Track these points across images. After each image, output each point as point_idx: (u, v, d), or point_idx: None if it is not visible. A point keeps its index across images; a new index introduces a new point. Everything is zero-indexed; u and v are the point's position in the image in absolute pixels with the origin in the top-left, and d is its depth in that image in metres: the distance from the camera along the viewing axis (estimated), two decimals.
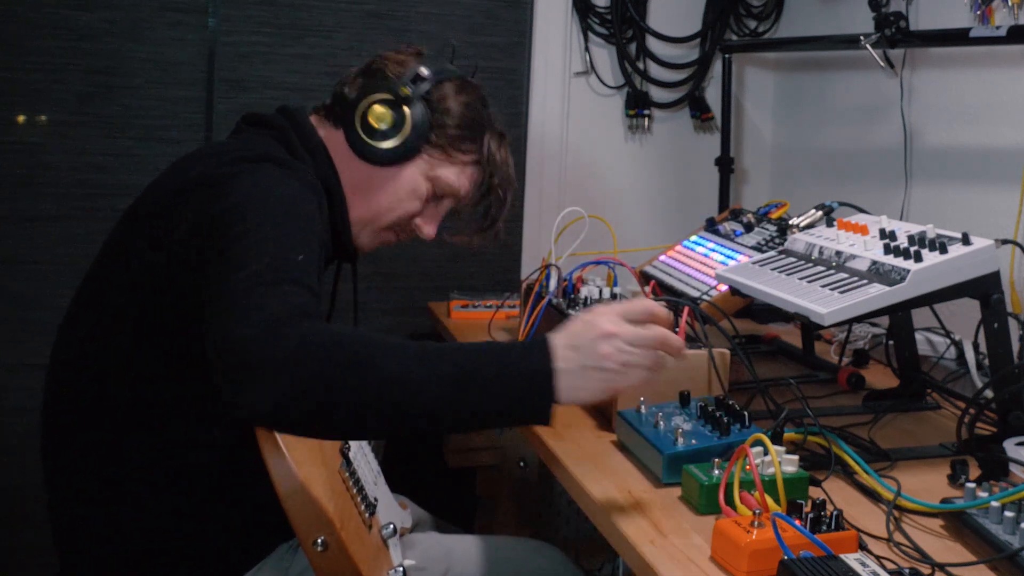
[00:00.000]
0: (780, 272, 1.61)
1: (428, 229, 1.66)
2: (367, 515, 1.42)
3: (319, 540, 1.25)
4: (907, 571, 1.04)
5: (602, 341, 1.14)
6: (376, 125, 1.55)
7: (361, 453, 1.51)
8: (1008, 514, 1.13)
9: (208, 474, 1.35)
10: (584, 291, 1.88)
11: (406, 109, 1.56)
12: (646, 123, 2.85)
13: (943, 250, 1.44)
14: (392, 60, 1.61)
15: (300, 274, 1.20)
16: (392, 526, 1.49)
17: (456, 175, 1.62)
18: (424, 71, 1.58)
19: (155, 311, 1.35)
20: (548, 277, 1.93)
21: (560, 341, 1.15)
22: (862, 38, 2.16)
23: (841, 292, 1.43)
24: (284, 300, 1.14)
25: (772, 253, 1.74)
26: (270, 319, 1.10)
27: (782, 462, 1.24)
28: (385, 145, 1.55)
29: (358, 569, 1.28)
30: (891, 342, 1.82)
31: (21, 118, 2.40)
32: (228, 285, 1.18)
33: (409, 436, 1.16)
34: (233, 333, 1.11)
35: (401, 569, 1.43)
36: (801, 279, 1.54)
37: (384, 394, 1.09)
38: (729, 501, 1.19)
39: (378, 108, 1.55)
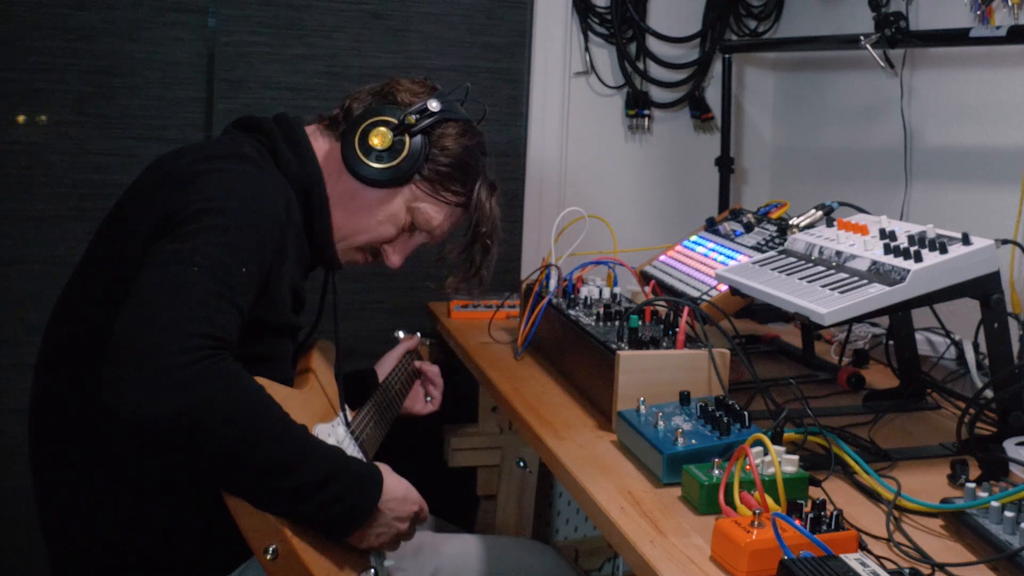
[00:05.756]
0: (780, 272, 1.61)
1: (395, 258, 1.67)
2: None
3: (270, 548, 1.27)
4: (907, 571, 1.04)
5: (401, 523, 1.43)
6: (374, 144, 1.56)
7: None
8: (1008, 514, 1.13)
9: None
10: (584, 291, 1.87)
11: (406, 137, 1.57)
12: (646, 123, 2.84)
13: (943, 250, 1.44)
14: (405, 88, 1.63)
15: (236, 293, 1.26)
16: None
17: (437, 212, 1.63)
18: (434, 106, 1.59)
19: None
20: (548, 277, 1.93)
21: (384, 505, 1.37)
22: (862, 38, 2.16)
23: (841, 292, 1.43)
24: (210, 316, 1.20)
25: (772, 253, 1.74)
26: (190, 331, 1.17)
27: (782, 462, 1.24)
28: (377, 166, 1.56)
29: None
30: (891, 342, 1.82)
31: (21, 118, 2.39)
32: (166, 273, 1.22)
33: (234, 490, 1.28)
34: (152, 327, 1.16)
35: (372, 571, 1.42)
36: (801, 279, 1.54)
37: (250, 458, 1.21)
38: (729, 501, 1.19)
39: (380, 129, 1.56)
